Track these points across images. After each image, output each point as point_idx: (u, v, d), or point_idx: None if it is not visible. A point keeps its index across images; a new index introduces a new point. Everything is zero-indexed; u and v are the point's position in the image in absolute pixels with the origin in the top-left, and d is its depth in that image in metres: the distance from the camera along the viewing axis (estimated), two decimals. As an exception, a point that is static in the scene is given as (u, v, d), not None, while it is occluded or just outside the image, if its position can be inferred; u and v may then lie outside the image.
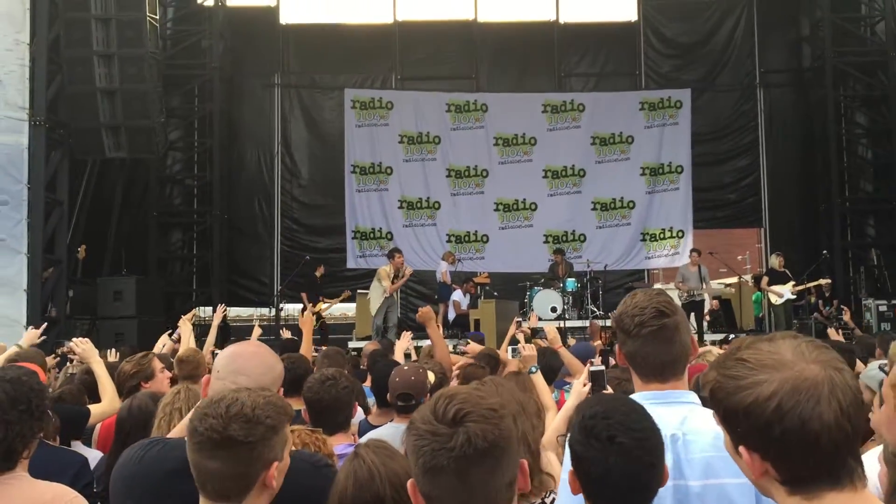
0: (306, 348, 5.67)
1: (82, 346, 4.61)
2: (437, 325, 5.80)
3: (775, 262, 13.64)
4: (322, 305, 13.93)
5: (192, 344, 6.15)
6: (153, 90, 11.80)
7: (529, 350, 4.21)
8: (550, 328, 5.94)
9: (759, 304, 15.43)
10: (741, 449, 1.34)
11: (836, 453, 1.27)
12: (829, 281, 14.19)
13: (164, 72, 13.19)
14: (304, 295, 14.00)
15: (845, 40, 16.27)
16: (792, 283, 13.33)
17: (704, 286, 13.60)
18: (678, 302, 13.12)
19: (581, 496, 1.90)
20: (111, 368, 4.77)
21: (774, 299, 13.41)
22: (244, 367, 2.29)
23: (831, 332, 9.05)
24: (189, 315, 6.61)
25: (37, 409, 2.48)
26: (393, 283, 12.97)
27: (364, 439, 3.61)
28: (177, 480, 2.18)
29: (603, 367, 3.22)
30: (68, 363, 6.59)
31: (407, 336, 6.10)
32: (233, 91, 17.09)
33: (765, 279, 13.61)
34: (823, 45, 16.00)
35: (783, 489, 1.31)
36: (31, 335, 5.47)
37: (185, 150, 16.99)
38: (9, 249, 10.76)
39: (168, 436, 2.75)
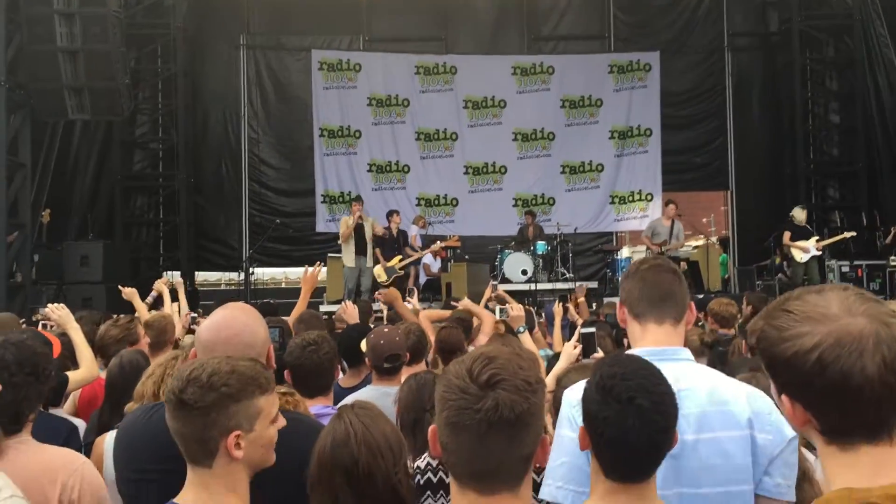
0: (301, 306, 5.58)
1: (58, 313, 4.55)
2: (406, 301, 5.80)
3: (799, 215, 12.98)
4: (396, 260, 13.33)
5: (181, 303, 6.21)
6: (116, 50, 11.52)
7: (517, 311, 4.25)
8: (517, 309, 5.92)
9: (725, 265, 15.69)
10: (783, 398, 1.35)
11: (878, 407, 1.27)
12: (855, 234, 13.74)
13: (126, 31, 12.87)
14: (377, 251, 13.37)
15: (812, 4, 16.38)
16: (815, 238, 12.88)
17: (675, 242, 13.03)
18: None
19: (584, 453, 1.93)
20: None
21: (799, 256, 12.78)
22: (224, 353, 2.23)
23: None
24: (164, 280, 6.55)
25: (42, 372, 2.48)
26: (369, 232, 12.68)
27: (349, 401, 3.64)
28: None
29: (593, 330, 3.26)
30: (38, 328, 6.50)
31: (350, 306, 5.93)
32: (197, 52, 16.74)
33: (786, 234, 13.00)
34: (790, 8, 16.10)
35: (822, 438, 1.33)
36: None
37: (150, 113, 16.63)
38: (-29, 214, 10.54)
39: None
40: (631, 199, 16.87)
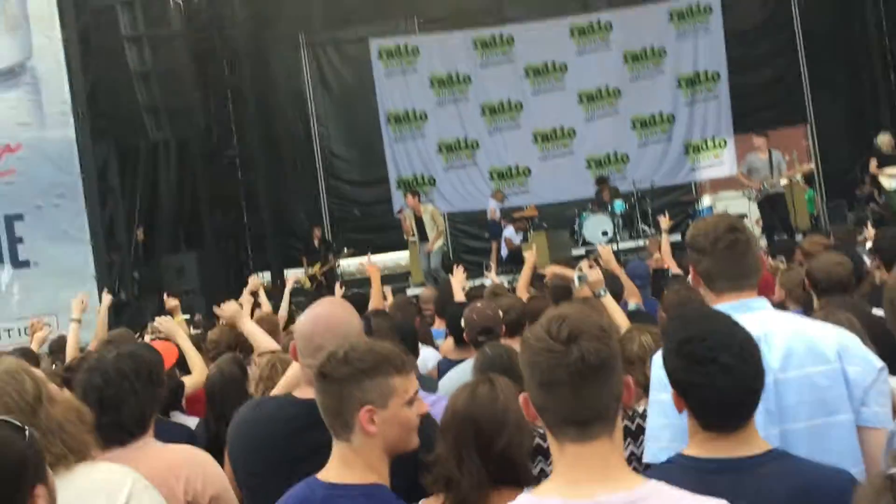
0: (377, 297, 5.80)
1: (166, 325, 4.89)
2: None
3: (885, 141, 12.06)
4: (316, 267, 14.35)
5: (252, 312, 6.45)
6: (185, 68, 11.97)
7: (596, 274, 4.34)
8: (604, 248, 5.98)
9: (812, 202, 15.22)
10: None
11: None
12: None
13: (193, 47, 13.32)
14: (303, 258, 14.42)
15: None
16: None
17: (779, 175, 11.81)
18: (750, 202, 12.10)
19: (684, 413, 2.00)
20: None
21: (888, 183, 11.93)
22: (322, 343, 2.40)
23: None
24: (256, 281, 6.85)
25: (157, 377, 2.73)
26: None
27: (450, 375, 3.84)
28: (297, 434, 2.39)
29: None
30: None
31: (459, 270, 6.15)
32: (260, 59, 17.07)
33: (873, 162, 12.17)
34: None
35: None
36: (78, 303, 5.85)
37: (223, 123, 17.12)
38: (73, 240, 11.19)
39: (272, 393, 2.95)
40: (705, 146, 16.52)
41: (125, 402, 2.61)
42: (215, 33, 16.13)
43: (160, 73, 11.82)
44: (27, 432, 1.83)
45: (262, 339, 4.55)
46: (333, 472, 2.05)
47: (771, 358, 2.16)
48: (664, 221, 7.61)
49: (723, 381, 1.84)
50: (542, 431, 2.81)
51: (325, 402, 2.05)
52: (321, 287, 13.95)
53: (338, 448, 2.06)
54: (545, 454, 2.82)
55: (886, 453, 2.03)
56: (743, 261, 2.38)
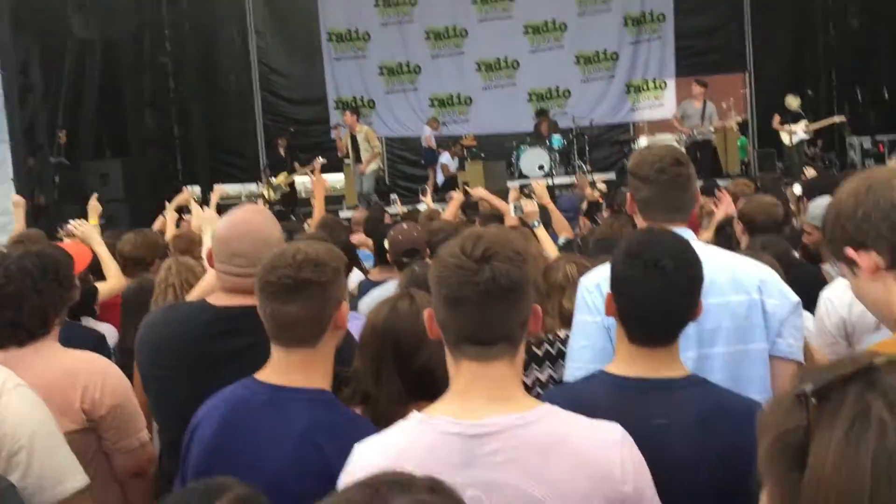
0: (319, 211, 5.70)
1: (81, 228, 4.68)
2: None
3: (792, 102, 13.04)
4: (282, 177, 13.92)
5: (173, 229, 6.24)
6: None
7: (531, 206, 4.31)
8: (538, 183, 5.98)
9: (744, 149, 15.49)
10: (849, 251, 1.56)
11: None
12: (844, 119, 13.53)
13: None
14: (263, 172, 14.11)
15: None
16: (805, 121, 12.94)
17: (709, 124, 12.86)
18: (680, 146, 12.86)
19: (604, 335, 1.98)
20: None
21: (786, 139, 12.89)
22: (238, 249, 2.33)
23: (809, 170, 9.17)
24: (177, 200, 6.62)
25: (64, 278, 2.59)
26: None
27: (369, 296, 3.79)
28: (211, 338, 2.30)
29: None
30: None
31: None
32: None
33: (777, 118, 13.13)
34: None
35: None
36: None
37: (156, 29, 16.36)
38: (-11, 139, 10.64)
39: (189, 298, 2.85)
40: (646, 87, 16.58)
41: (26, 300, 2.48)
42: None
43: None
44: None
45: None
46: (281, 375, 1.94)
47: None
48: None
49: (657, 283, 1.83)
50: (539, 338, 2.80)
51: (302, 309, 1.90)
52: (288, 198, 13.76)
53: (289, 355, 1.95)
54: (539, 361, 2.83)
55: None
56: (682, 194, 2.43)
